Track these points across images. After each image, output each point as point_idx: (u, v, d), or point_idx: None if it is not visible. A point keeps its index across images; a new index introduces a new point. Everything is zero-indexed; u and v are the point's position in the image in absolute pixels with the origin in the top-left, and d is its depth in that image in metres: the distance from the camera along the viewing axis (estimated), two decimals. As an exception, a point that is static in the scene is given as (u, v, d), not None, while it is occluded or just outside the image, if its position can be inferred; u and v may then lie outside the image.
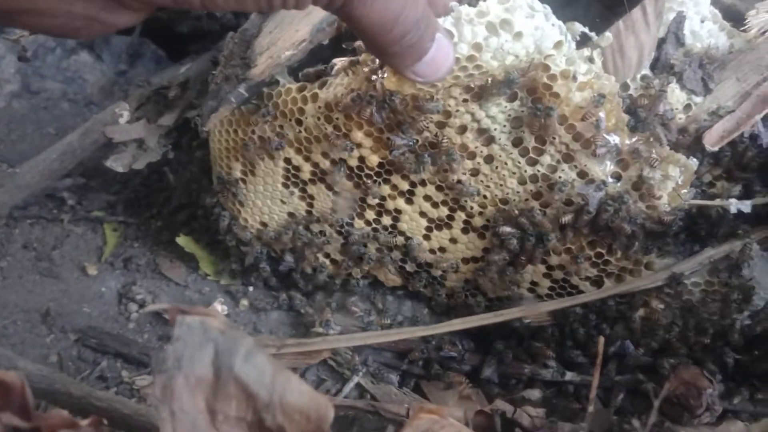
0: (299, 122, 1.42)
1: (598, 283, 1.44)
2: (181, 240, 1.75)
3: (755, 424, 0.98)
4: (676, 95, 1.35)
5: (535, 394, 1.39)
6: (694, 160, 1.31)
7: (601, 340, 1.40)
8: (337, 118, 1.39)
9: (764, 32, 1.37)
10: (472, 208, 1.43)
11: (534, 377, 1.46)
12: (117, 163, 1.54)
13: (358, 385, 1.51)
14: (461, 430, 0.87)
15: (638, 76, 1.36)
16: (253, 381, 0.83)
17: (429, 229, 1.50)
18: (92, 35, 0.94)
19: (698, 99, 1.36)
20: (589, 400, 1.34)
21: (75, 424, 0.89)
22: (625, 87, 1.36)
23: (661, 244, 1.36)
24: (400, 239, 1.53)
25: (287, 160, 1.48)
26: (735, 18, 1.43)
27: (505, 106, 1.31)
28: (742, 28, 1.40)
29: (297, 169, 1.49)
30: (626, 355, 1.43)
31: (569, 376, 1.43)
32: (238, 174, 1.54)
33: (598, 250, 1.39)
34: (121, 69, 2.43)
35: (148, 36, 2.42)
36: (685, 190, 1.32)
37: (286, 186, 1.52)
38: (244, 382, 0.83)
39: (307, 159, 1.47)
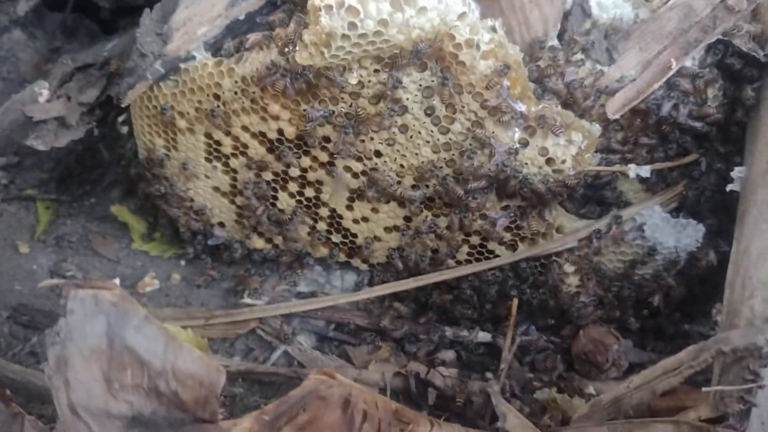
0: (217, 97, 1.44)
1: (513, 246, 1.49)
2: (116, 209, 1.76)
3: (636, 376, 1.04)
4: (581, 65, 1.39)
5: (449, 354, 1.45)
6: (597, 126, 1.36)
7: (515, 301, 1.47)
8: (253, 92, 1.41)
9: (666, 2, 1.41)
10: (390, 178, 1.46)
11: (455, 339, 1.52)
12: (38, 142, 1.54)
13: (286, 354, 1.56)
14: (351, 390, 0.92)
15: (545, 47, 1.39)
16: (145, 350, 0.87)
17: (351, 199, 1.53)
18: None
19: (603, 68, 1.40)
20: (501, 359, 1.40)
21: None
22: (533, 57, 1.40)
23: (570, 207, 1.42)
24: (324, 210, 1.56)
25: (208, 135, 1.50)
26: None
27: (417, 76, 1.34)
28: (646, -1, 1.45)
29: (218, 143, 1.51)
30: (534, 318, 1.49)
31: (482, 336, 1.49)
32: (161, 149, 1.56)
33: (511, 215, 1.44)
34: (56, 46, 2.39)
35: (82, 11, 2.39)
36: (589, 155, 1.36)
37: (208, 160, 1.54)
38: (137, 351, 0.87)
39: (227, 133, 1.49)
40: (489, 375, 1.43)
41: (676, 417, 0.96)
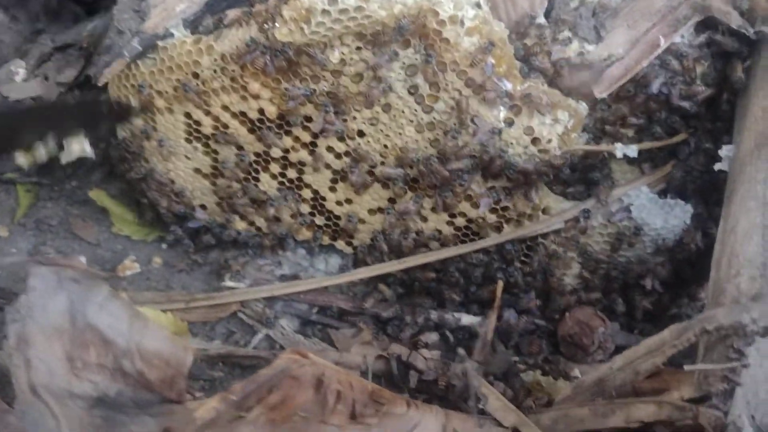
0: (196, 75, 1.41)
1: (498, 228, 1.46)
2: (94, 194, 1.73)
3: (619, 356, 1.02)
4: (569, 43, 1.36)
5: (432, 337, 1.43)
6: (584, 105, 1.34)
7: (500, 284, 1.44)
8: (233, 70, 1.38)
9: (655, -23, 1.38)
10: (374, 158, 1.44)
11: (440, 323, 1.49)
12: (14, 121, 1.51)
13: (268, 337, 1.53)
14: (324, 370, 0.89)
15: (531, 24, 1.36)
16: (109, 328, 0.84)
17: (334, 180, 1.50)
18: None
19: (591, 47, 1.37)
20: (486, 342, 1.38)
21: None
22: (519, 35, 1.37)
23: (557, 188, 1.39)
24: (307, 192, 1.53)
25: (187, 115, 1.47)
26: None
27: (400, 54, 1.31)
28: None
29: (198, 123, 1.48)
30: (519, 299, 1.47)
31: (467, 319, 1.47)
32: (139, 130, 1.52)
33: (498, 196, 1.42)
34: (39, 28, 2.35)
35: (65, -8, 2.35)
36: (575, 134, 1.34)
37: (188, 141, 1.51)
38: (100, 329, 0.84)
39: (207, 113, 1.46)
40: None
41: (658, 397, 0.93)
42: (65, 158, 1.29)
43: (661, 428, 0.95)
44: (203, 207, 1.61)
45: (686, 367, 0.90)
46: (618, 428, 1.00)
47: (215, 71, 1.39)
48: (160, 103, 1.45)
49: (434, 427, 0.99)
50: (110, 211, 1.72)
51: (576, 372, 1.38)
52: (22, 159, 1.22)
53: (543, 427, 1.04)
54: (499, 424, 1.08)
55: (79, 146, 1.22)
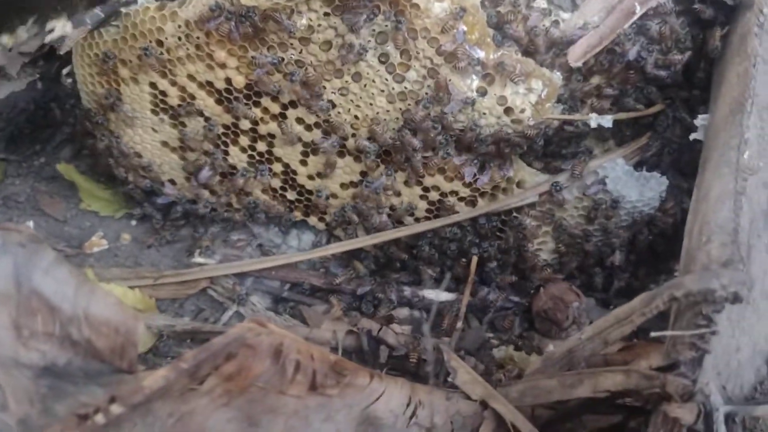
0: (160, 43, 1.37)
1: (472, 202, 1.43)
2: (63, 167, 1.69)
3: (588, 326, 0.99)
4: (543, 11, 1.32)
5: (403, 312, 1.40)
6: (558, 74, 1.31)
7: (474, 259, 1.41)
8: (198, 38, 1.34)
9: (632, -57, 1.35)
10: (345, 130, 1.40)
11: (414, 299, 1.47)
12: (-25, 92, 1.47)
13: (238, 314, 1.50)
14: (283, 339, 0.86)
15: (505, -10, 1.33)
16: (54, 293, 0.81)
17: (305, 154, 1.47)
18: None
19: (566, 15, 1.34)
20: (458, 317, 1.35)
21: None
22: (493, 2, 1.33)
23: (529, 159, 1.36)
24: (278, 166, 1.50)
25: (152, 85, 1.43)
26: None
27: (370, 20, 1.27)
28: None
29: (164, 94, 1.44)
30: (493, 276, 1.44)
31: (442, 296, 1.44)
32: (104, 101, 1.48)
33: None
34: None
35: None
36: (550, 104, 1.31)
37: (155, 113, 1.47)
38: (45, 295, 0.80)
39: (173, 83, 1.42)
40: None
41: (626, 366, 0.91)
42: (48, 38, 1.30)
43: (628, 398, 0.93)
44: (172, 182, 1.57)
45: (653, 334, 0.87)
46: (586, 399, 0.98)
47: (180, 39, 1.35)
48: (124, 72, 1.41)
49: (399, 399, 0.97)
50: (79, 186, 1.68)
51: (550, 348, 1.36)
52: (5, 39, 1.27)
53: (511, 400, 1.02)
54: (468, 397, 1.05)
55: (61, 27, 1.22)
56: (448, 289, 1.48)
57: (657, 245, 1.43)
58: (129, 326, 0.82)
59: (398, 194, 1.46)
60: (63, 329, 0.81)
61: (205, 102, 1.42)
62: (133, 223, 1.66)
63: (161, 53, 1.37)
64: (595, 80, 1.36)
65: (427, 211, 1.47)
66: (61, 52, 1.40)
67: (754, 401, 0.90)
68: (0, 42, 1.35)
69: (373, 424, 0.95)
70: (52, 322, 0.81)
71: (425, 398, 0.99)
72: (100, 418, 0.74)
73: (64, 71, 1.63)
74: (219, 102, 1.42)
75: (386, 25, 1.28)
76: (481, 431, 0.99)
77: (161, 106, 1.46)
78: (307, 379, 0.89)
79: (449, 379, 1.11)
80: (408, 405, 0.97)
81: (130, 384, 0.78)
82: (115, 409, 0.75)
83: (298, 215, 1.56)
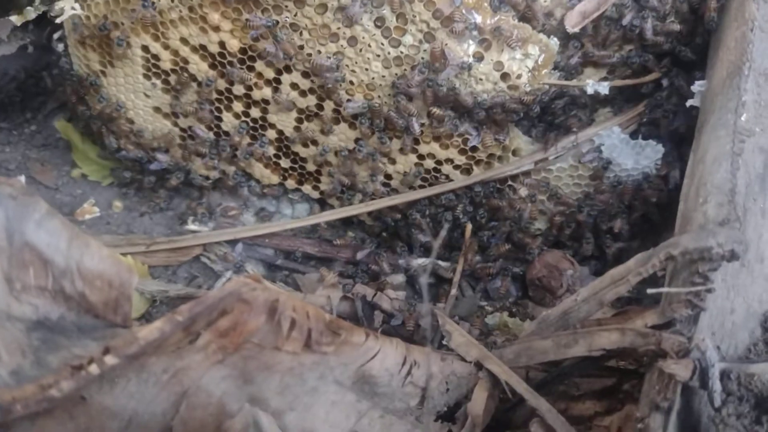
0: (152, 5, 1.34)
1: (467, 171, 1.43)
2: (60, 125, 1.68)
3: (583, 288, 0.99)
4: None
5: (398, 278, 1.40)
6: (555, 40, 1.30)
7: (468, 226, 1.41)
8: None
9: None
10: (340, 95, 1.39)
11: (407, 267, 1.47)
12: (-35, 55, 1.44)
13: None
14: (278, 296, 0.85)
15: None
16: (47, 246, 0.79)
17: (299, 120, 1.45)
18: None
19: (564, -20, 1.33)
20: (452, 284, 1.35)
21: None
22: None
23: (525, 127, 1.36)
24: (272, 133, 1.48)
25: (145, 48, 1.41)
26: None
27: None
28: None
29: (156, 58, 1.42)
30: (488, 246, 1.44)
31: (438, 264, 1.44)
32: (96, 66, 1.46)
33: (465, 136, 1.38)
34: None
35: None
36: (546, 71, 1.30)
37: (147, 77, 1.45)
38: (38, 247, 0.79)
39: (165, 47, 1.40)
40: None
41: (621, 325, 0.91)
42: (56, 14, 1.35)
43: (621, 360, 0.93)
44: (165, 150, 1.55)
45: (649, 291, 0.87)
46: (580, 360, 0.98)
47: (173, 0, 1.33)
48: (116, 35, 1.39)
49: (394, 358, 0.96)
50: (73, 146, 1.66)
51: (544, 315, 1.36)
52: (14, 18, 1.34)
53: (506, 361, 1.02)
54: (463, 359, 1.05)
55: (68, 5, 1.22)
56: (441, 258, 1.48)
57: (651, 216, 1.43)
58: (123, 279, 0.81)
59: (393, 162, 1.45)
60: (56, 282, 0.81)
61: (199, 66, 1.40)
62: (124, 190, 1.65)
63: (153, 15, 1.35)
64: (592, 46, 1.35)
65: (422, 179, 1.46)
66: (58, 21, 1.37)
67: (748, 361, 0.91)
68: (10, 21, 1.36)
69: (369, 383, 0.95)
70: (45, 276, 0.80)
71: (420, 358, 0.99)
72: (94, 369, 0.73)
73: (55, 36, 1.60)
74: (213, 66, 1.40)
75: (382, -12, 1.26)
76: (476, 391, 0.99)
77: (153, 70, 1.44)
78: (302, 337, 0.88)
79: (444, 343, 1.11)
80: (403, 364, 0.97)
81: (124, 337, 0.77)
82: (110, 359, 0.74)
83: (292, 183, 1.55)
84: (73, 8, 1.31)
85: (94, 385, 0.77)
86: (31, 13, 1.27)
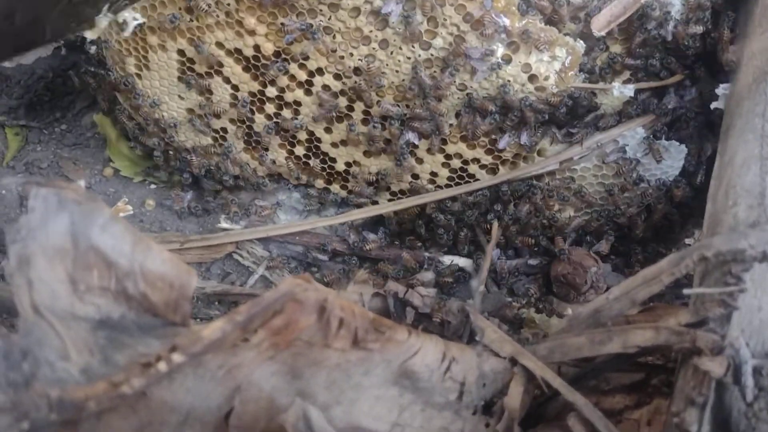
0: (190, 11, 1.38)
1: (493, 170, 1.46)
2: (98, 118, 1.72)
3: (615, 287, 1.03)
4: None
5: (428, 275, 1.43)
6: (582, 43, 1.33)
7: (495, 224, 1.45)
8: (228, 4, 1.35)
9: None
10: (370, 97, 1.42)
11: (436, 265, 1.50)
12: (3, 58, 1.48)
13: (264, 278, 1.53)
14: (327, 296, 0.89)
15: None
16: (112, 249, 0.83)
17: (330, 121, 1.49)
18: None
19: (590, -16, 1.36)
20: (480, 281, 1.39)
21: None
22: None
23: (552, 128, 1.39)
24: (303, 134, 1.52)
25: (181, 52, 1.44)
26: None
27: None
28: None
29: (192, 61, 1.45)
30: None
31: (461, 262, 1.47)
32: (132, 69, 1.50)
33: (493, 136, 1.41)
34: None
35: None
36: (573, 73, 1.33)
37: (182, 80, 1.49)
38: (103, 251, 0.83)
39: (201, 51, 1.43)
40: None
41: (655, 323, 0.95)
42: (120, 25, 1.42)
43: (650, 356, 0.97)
44: (196, 151, 1.59)
45: (685, 291, 0.91)
46: (611, 356, 1.02)
47: (210, 5, 1.36)
48: (153, 39, 1.43)
49: (435, 355, 1.00)
50: (109, 141, 1.70)
51: (569, 312, 1.40)
52: (89, 34, 1.42)
53: (539, 357, 1.05)
54: (497, 355, 1.09)
55: (130, 15, 1.35)
56: (468, 255, 1.52)
57: (670, 216, 1.47)
58: (183, 281, 0.85)
59: (420, 162, 1.49)
60: (119, 283, 0.84)
61: (233, 69, 1.44)
62: (157, 189, 1.69)
63: (190, 20, 1.38)
64: (618, 49, 1.38)
65: (449, 178, 1.49)
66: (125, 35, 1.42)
67: (776, 357, 0.94)
68: (86, 38, 1.44)
69: (410, 378, 0.98)
70: (108, 277, 0.84)
71: (458, 355, 1.03)
72: (162, 366, 0.77)
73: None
74: (246, 69, 1.44)
75: (414, -8, 1.30)
76: (512, 386, 1.02)
77: (188, 73, 1.47)
78: (350, 334, 0.92)
79: (476, 339, 1.15)
80: (443, 360, 1.01)
81: (186, 335, 0.81)
82: (177, 357, 0.78)
83: (320, 183, 1.59)
84: (135, 18, 1.35)
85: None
86: (102, 23, 1.33)
